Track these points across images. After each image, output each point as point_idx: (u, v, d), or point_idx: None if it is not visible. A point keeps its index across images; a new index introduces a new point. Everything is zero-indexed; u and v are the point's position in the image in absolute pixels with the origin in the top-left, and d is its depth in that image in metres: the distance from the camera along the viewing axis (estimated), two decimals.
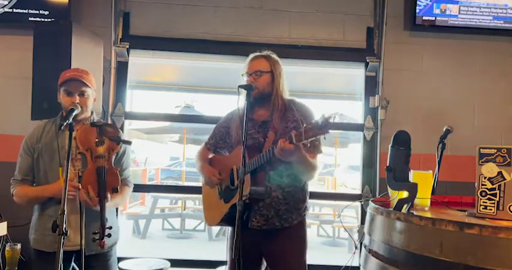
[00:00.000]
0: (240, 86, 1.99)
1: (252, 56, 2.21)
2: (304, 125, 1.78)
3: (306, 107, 2.17)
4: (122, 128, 3.23)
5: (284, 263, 2.11)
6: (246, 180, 2.00)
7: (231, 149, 2.23)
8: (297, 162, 1.99)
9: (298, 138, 1.79)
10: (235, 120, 2.21)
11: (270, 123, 2.11)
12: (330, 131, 1.73)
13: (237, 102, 2.12)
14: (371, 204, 1.82)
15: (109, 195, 1.96)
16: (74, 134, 1.83)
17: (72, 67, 2.58)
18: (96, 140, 2.01)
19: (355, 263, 2.49)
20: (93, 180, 1.95)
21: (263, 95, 2.11)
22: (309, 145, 1.80)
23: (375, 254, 1.67)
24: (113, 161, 2.06)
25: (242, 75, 2.16)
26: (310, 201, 2.25)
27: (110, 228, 1.90)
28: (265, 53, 2.21)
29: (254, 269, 2.18)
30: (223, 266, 3.18)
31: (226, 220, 2.15)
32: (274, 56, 2.22)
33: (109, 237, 1.90)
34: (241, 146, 2.07)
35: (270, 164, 2.04)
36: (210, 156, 2.33)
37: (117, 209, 2.78)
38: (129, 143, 2.14)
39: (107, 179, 1.96)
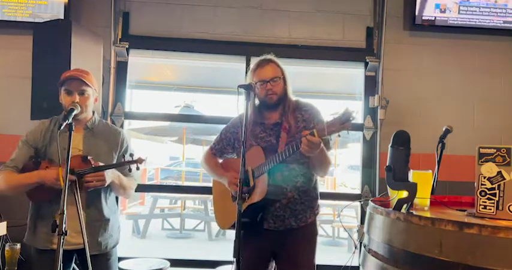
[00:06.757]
0: (239, 86, 1.97)
1: (258, 62, 2.17)
2: (327, 120, 1.78)
3: (312, 106, 2.20)
4: (121, 127, 3.22)
5: (296, 262, 2.11)
6: (263, 180, 2.02)
7: None
8: (318, 157, 1.99)
9: (321, 133, 1.79)
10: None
11: (281, 125, 2.12)
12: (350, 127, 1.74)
13: (236, 103, 2.11)
14: (371, 204, 1.82)
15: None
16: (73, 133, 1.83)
17: (71, 67, 2.58)
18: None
19: (355, 263, 2.48)
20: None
21: (280, 99, 2.13)
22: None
23: (375, 254, 1.67)
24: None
25: (256, 83, 2.11)
26: None
27: None
28: (269, 57, 2.19)
29: (263, 269, 2.17)
30: (223, 266, 3.18)
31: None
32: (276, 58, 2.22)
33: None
34: (254, 147, 2.10)
35: (286, 164, 2.05)
36: (220, 161, 2.33)
37: (118, 209, 2.78)
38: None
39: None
